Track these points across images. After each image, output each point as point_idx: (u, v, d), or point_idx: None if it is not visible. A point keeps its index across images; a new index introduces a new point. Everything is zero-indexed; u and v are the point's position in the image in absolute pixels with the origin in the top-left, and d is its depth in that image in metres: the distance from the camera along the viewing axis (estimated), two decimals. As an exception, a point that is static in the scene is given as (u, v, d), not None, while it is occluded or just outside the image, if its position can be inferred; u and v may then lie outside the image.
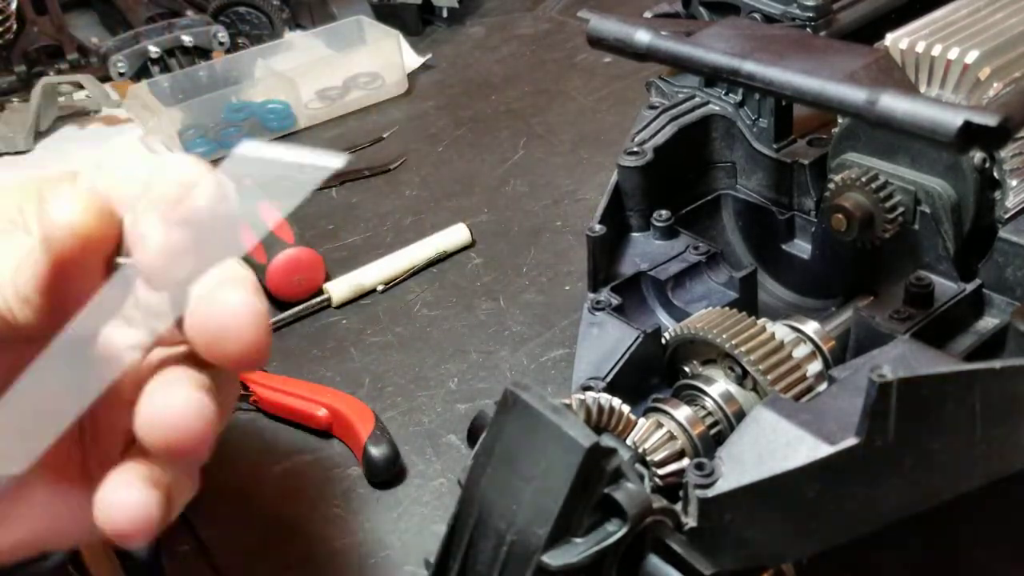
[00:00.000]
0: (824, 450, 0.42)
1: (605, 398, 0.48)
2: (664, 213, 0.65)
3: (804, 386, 0.51)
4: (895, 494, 0.43)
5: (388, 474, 0.65)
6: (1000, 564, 0.53)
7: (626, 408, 0.49)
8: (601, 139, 1.06)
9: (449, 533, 0.45)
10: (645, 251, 0.65)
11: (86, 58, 1.34)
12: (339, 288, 0.84)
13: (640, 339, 0.56)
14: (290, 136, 1.16)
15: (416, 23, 1.39)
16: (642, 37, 0.53)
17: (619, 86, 1.17)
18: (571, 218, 0.92)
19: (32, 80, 1.25)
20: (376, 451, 0.64)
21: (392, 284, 0.86)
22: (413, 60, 1.29)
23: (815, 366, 0.53)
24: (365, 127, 1.16)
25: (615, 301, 0.60)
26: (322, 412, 0.69)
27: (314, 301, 0.84)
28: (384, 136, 1.13)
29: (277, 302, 0.84)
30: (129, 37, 1.25)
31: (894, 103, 0.43)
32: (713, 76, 0.52)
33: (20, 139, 1.19)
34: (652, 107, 0.69)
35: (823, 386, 0.51)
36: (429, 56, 1.31)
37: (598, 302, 0.60)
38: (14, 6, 1.29)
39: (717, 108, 0.68)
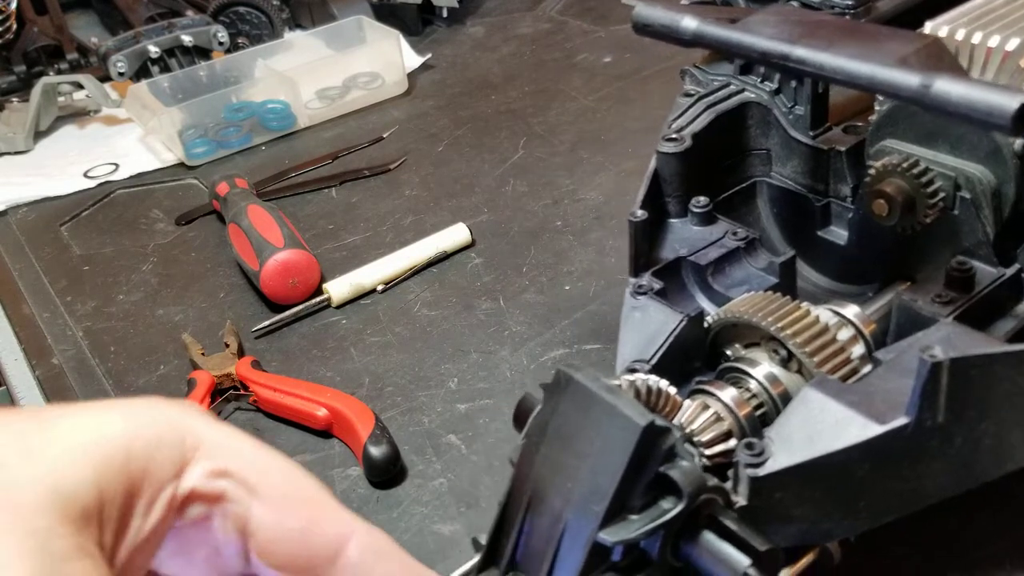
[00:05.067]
0: (874, 429, 0.43)
1: (653, 379, 0.49)
2: (702, 199, 0.65)
3: (849, 368, 0.52)
4: (942, 473, 0.44)
5: (388, 474, 0.65)
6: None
7: (672, 389, 0.50)
8: (601, 139, 1.06)
9: (502, 512, 0.46)
10: (683, 237, 0.65)
11: (86, 58, 1.34)
12: (339, 288, 0.84)
13: (684, 322, 0.57)
14: (290, 136, 1.16)
15: (416, 23, 1.39)
16: (688, 23, 0.54)
17: (619, 86, 1.17)
18: (571, 218, 0.92)
19: (32, 80, 1.25)
20: (376, 451, 0.64)
21: (392, 284, 0.86)
22: (413, 60, 1.29)
23: (858, 349, 0.53)
24: (365, 127, 1.16)
25: (657, 285, 0.60)
26: (322, 412, 0.69)
27: (314, 301, 0.84)
28: (384, 136, 1.13)
29: (275, 305, 0.84)
30: (129, 37, 1.25)
31: (949, 87, 0.44)
32: (762, 62, 0.53)
33: (20, 139, 1.19)
34: (687, 95, 0.70)
35: (866, 369, 0.52)
36: (429, 56, 1.31)
37: (640, 286, 0.60)
38: (14, 6, 1.29)
39: (753, 96, 0.69)
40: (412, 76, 1.26)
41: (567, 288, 0.82)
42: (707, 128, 0.66)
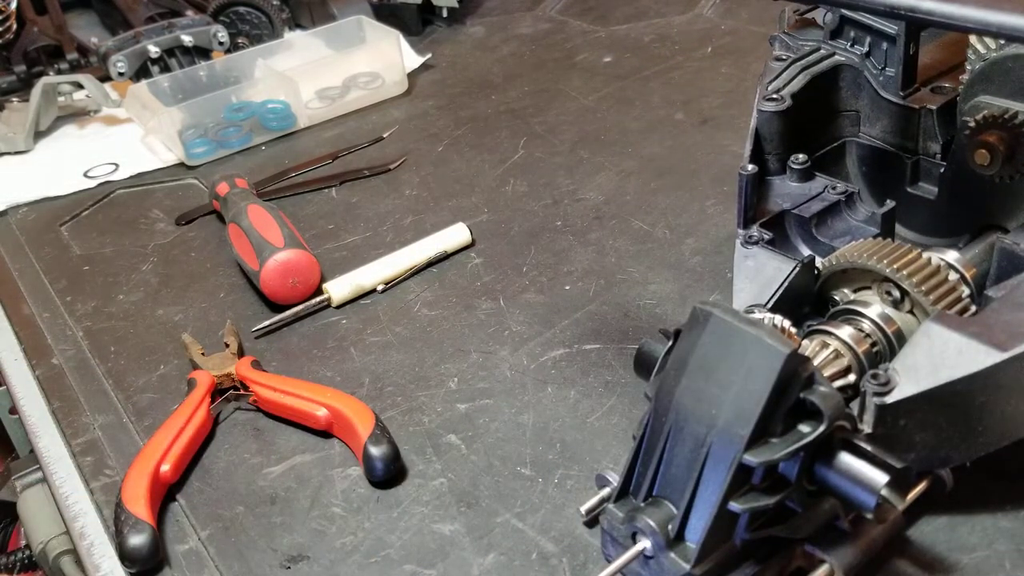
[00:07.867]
0: (997, 356, 0.46)
1: (778, 318, 0.52)
2: (801, 156, 0.69)
3: (961, 306, 0.55)
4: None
5: (388, 474, 0.65)
6: None
7: (794, 329, 0.53)
8: (601, 139, 1.06)
9: (639, 443, 0.48)
10: (784, 192, 0.69)
11: (86, 58, 1.34)
12: (339, 288, 0.84)
13: (798, 268, 0.60)
14: (290, 136, 1.16)
15: (416, 23, 1.40)
16: None
17: (619, 86, 1.17)
18: (571, 218, 0.92)
19: (32, 80, 1.25)
20: (376, 451, 0.64)
21: (392, 284, 0.86)
22: (413, 60, 1.29)
23: (966, 289, 0.56)
24: (365, 127, 1.16)
25: (767, 236, 0.64)
26: (322, 412, 0.69)
27: (314, 301, 0.84)
28: (384, 136, 1.13)
29: (275, 305, 0.84)
30: (129, 37, 1.25)
31: None
32: (888, 14, 0.54)
33: (20, 139, 1.19)
34: (779, 59, 0.74)
35: (974, 308, 0.55)
36: (429, 56, 1.31)
37: (750, 237, 0.63)
38: (14, 6, 1.29)
39: (844, 59, 0.72)
40: (412, 76, 1.26)
41: (567, 288, 0.82)
42: (803, 89, 0.70)
